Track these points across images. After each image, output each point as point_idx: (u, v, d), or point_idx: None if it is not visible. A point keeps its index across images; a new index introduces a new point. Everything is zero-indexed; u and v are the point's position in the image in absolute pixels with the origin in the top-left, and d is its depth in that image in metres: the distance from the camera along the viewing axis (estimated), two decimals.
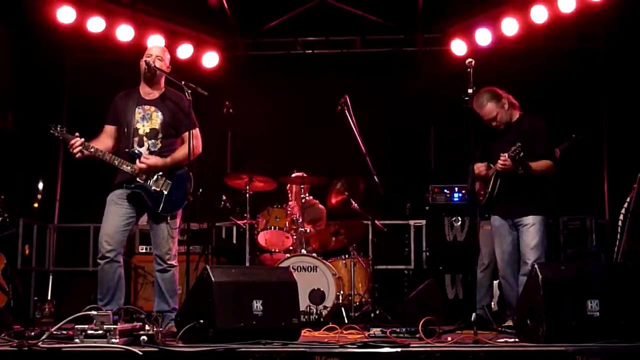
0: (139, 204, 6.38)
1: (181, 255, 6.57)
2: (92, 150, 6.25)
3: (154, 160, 6.32)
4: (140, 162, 6.29)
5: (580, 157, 10.06)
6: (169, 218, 6.42)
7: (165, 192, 6.35)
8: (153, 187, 6.34)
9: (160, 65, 6.48)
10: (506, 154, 6.36)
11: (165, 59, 6.58)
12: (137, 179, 6.29)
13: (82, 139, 6.23)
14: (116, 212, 6.34)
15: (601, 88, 10.53)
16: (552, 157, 6.65)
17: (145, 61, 6.44)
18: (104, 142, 6.48)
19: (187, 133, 6.36)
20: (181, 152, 6.41)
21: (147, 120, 6.42)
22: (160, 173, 6.37)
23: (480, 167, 6.77)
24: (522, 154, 6.27)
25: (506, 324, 6.57)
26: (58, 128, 6.28)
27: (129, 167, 6.29)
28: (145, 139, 6.40)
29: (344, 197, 8.88)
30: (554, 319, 4.78)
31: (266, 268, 7.94)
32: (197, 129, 6.53)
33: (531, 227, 6.55)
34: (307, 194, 9.08)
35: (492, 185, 6.65)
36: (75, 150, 6.21)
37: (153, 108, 6.46)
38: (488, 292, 7.76)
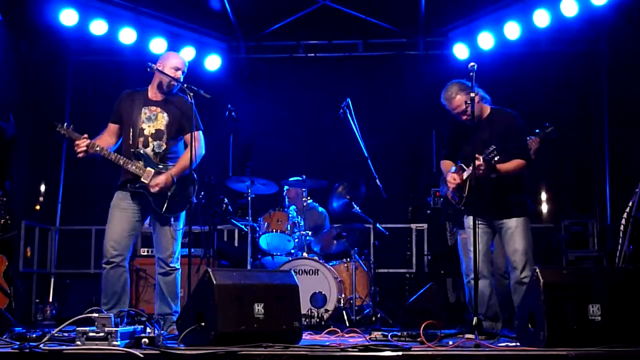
0: (143, 205, 6.38)
1: (183, 258, 6.57)
2: (98, 149, 6.25)
3: (162, 181, 6.29)
4: (152, 188, 6.27)
5: (583, 160, 10.07)
6: (172, 219, 6.43)
7: (170, 193, 6.35)
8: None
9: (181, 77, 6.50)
10: (481, 157, 6.01)
11: None
12: (142, 179, 6.29)
13: (89, 140, 6.24)
14: (121, 217, 6.33)
15: (604, 91, 10.53)
16: (525, 156, 6.32)
17: (174, 78, 6.39)
18: (106, 140, 6.46)
19: (189, 136, 6.35)
20: (185, 158, 6.39)
21: (153, 121, 6.42)
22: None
23: (454, 176, 6.46)
24: (497, 157, 5.97)
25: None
26: (64, 126, 6.29)
27: (133, 167, 6.29)
28: (150, 139, 6.39)
29: (346, 200, 8.89)
30: (556, 324, 4.77)
31: (268, 271, 7.93)
32: (201, 131, 6.52)
33: (516, 231, 6.26)
34: (309, 197, 9.08)
35: (468, 187, 6.31)
36: (80, 150, 6.21)
37: (159, 109, 6.46)
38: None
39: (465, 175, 6.35)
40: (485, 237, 6.43)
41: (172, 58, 6.59)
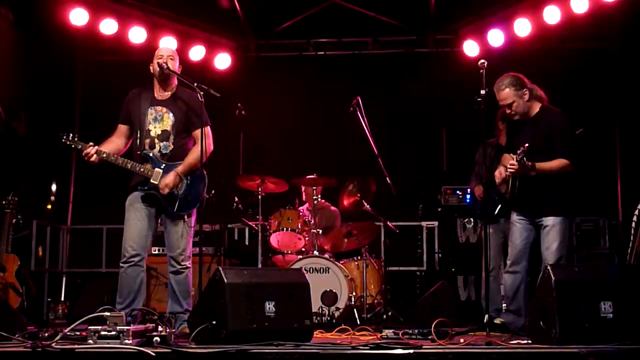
0: (156, 205, 6.39)
1: (194, 257, 6.58)
2: (104, 155, 6.26)
3: (171, 181, 6.29)
4: (162, 190, 6.28)
5: (593, 158, 10.02)
6: (185, 217, 6.44)
7: (180, 192, 6.35)
8: None
9: (172, 65, 6.46)
10: (515, 157, 6.19)
11: (176, 58, 6.57)
12: (151, 181, 6.30)
13: (96, 147, 6.25)
14: (137, 217, 6.34)
15: (614, 88, 10.49)
16: (568, 155, 6.35)
17: (158, 63, 6.42)
18: (116, 142, 6.48)
19: (197, 132, 6.35)
20: (194, 154, 6.39)
21: (159, 121, 6.41)
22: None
23: (501, 170, 6.59)
24: (525, 157, 6.11)
25: (496, 322, 6.59)
26: (70, 136, 6.31)
27: (142, 170, 6.30)
28: (156, 140, 6.39)
29: (356, 198, 8.88)
30: (567, 321, 4.76)
31: (278, 269, 7.95)
32: (209, 127, 6.51)
33: (552, 229, 6.31)
34: (319, 196, 9.08)
35: (511, 185, 6.44)
36: (90, 158, 6.24)
37: (165, 109, 6.45)
38: (497, 295, 7.70)
39: (507, 172, 6.45)
40: (525, 234, 6.53)
41: (158, 49, 6.71)
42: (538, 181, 6.35)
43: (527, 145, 6.09)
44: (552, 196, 6.39)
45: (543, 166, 6.29)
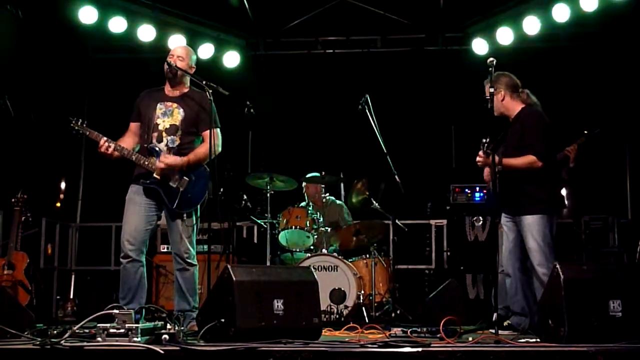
0: (157, 200, 6.38)
1: (203, 255, 6.56)
2: (112, 145, 6.27)
3: (173, 159, 6.30)
4: (159, 161, 6.28)
5: (602, 156, 10.00)
6: (184, 215, 6.41)
7: (182, 189, 6.32)
8: (169, 183, 6.33)
9: (182, 65, 6.47)
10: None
11: (187, 59, 6.55)
12: (154, 175, 6.28)
13: (105, 138, 6.24)
14: (136, 212, 6.34)
15: (624, 87, 10.46)
16: (536, 151, 6.21)
17: (167, 62, 6.45)
18: (127, 140, 6.47)
19: (206, 132, 6.36)
20: (202, 149, 6.39)
21: (168, 116, 6.40)
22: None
23: (486, 171, 6.62)
24: (487, 150, 6.03)
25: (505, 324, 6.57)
26: (79, 122, 6.31)
27: (146, 163, 6.29)
28: (164, 134, 6.38)
29: (365, 196, 8.88)
30: (576, 319, 4.76)
31: (287, 267, 7.95)
32: (218, 129, 6.51)
33: (529, 229, 6.22)
34: (327, 194, 9.07)
35: (494, 184, 6.44)
36: (103, 150, 6.24)
37: (175, 104, 6.45)
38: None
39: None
40: (512, 234, 6.48)
41: (172, 48, 6.72)
42: (514, 179, 6.29)
43: (486, 139, 6.02)
44: (528, 194, 6.31)
45: (508, 161, 6.26)
